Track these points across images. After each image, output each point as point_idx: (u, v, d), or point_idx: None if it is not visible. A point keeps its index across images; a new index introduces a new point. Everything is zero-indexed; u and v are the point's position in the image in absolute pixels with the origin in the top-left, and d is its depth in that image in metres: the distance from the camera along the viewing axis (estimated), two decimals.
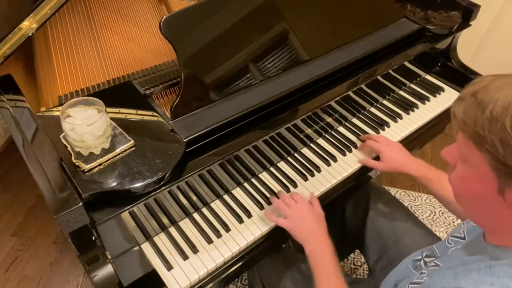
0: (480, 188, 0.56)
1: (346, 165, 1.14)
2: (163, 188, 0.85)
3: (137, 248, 0.92)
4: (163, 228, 0.96)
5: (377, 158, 1.13)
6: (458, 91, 1.42)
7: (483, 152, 0.53)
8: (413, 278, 0.73)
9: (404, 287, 0.72)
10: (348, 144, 1.19)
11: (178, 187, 0.91)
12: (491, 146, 0.51)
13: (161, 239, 0.95)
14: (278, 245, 1.06)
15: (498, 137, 0.50)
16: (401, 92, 1.39)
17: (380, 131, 1.25)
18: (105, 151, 0.83)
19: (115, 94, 1.01)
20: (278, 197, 1.02)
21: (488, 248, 0.61)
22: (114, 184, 0.79)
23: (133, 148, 0.86)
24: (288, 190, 1.06)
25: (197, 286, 0.91)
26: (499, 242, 0.59)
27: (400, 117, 1.30)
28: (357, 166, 1.14)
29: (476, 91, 0.54)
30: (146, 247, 0.93)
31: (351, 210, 1.21)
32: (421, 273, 0.73)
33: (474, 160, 0.55)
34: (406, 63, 1.32)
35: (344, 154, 1.17)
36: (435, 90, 1.40)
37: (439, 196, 1.01)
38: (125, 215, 0.84)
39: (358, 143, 1.20)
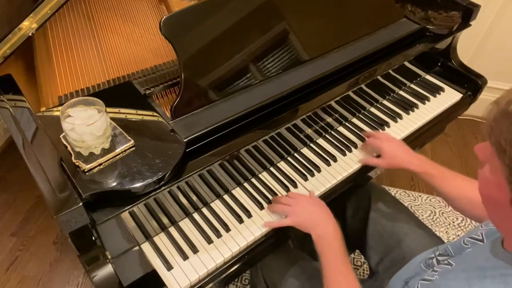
0: (497, 195, 0.55)
1: (346, 165, 1.14)
2: (163, 188, 0.85)
3: (137, 248, 0.93)
4: (163, 228, 0.96)
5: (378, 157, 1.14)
6: (458, 91, 1.42)
7: (502, 163, 0.52)
8: (424, 275, 0.73)
9: (414, 284, 0.72)
10: (348, 144, 1.19)
11: (178, 187, 0.91)
12: (509, 159, 0.50)
13: (161, 239, 0.95)
14: (278, 245, 1.06)
15: None
16: (401, 92, 1.39)
17: (380, 131, 1.25)
18: (105, 151, 0.83)
19: (115, 94, 1.01)
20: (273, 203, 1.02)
21: (505, 256, 0.60)
22: (114, 184, 0.79)
23: (133, 148, 0.86)
24: (288, 190, 1.06)
25: (197, 286, 0.91)
26: None
27: (400, 117, 1.30)
28: (357, 166, 1.14)
29: (511, 100, 0.52)
30: (146, 247, 0.93)
31: (351, 210, 1.21)
32: (432, 271, 0.72)
33: (495, 167, 0.54)
34: (406, 63, 1.32)
35: (344, 154, 1.17)
36: (435, 90, 1.40)
37: (442, 192, 1.00)
38: (125, 215, 0.84)
39: (358, 143, 1.20)
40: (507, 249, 0.61)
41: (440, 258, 0.76)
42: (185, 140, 0.89)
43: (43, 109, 0.99)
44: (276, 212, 1.00)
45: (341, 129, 1.24)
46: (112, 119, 0.90)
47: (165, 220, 0.95)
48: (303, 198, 0.97)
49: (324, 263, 0.86)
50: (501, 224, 0.60)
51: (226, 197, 1.05)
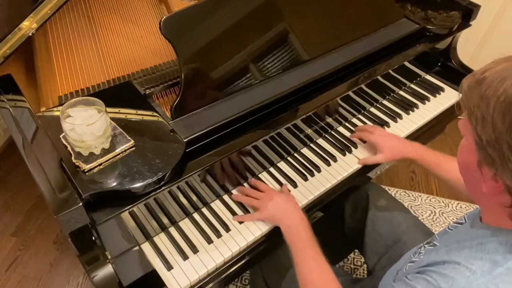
0: (468, 159, 0.61)
1: (346, 165, 1.14)
2: (163, 188, 0.85)
3: (137, 248, 0.92)
4: (163, 228, 0.96)
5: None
6: (458, 91, 1.42)
7: (471, 126, 0.57)
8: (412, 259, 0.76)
9: (403, 270, 0.76)
10: (348, 144, 1.19)
11: (178, 187, 0.91)
12: (475, 120, 0.56)
13: (161, 239, 0.95)
14: (278, 245, 1.06)
15: (481, 114, 0.55)
16: (401, 92, 1.39)
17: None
18: (105, 151, 0.83)
19: (115, 94, 1.01)
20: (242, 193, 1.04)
21: (482, 228, 0.65)
22: (114, 184, 0.79)
23: (133, 148, 0.86)
24: (288, 190, 1.06)
25: (197, 286, 0.91)
26: (491, 222, 0.63)
27: (400, 117, 1.30)
28: (357, 166, 1.14)
29: (486, 69, 0.58)
30: (146, 247, 0.93)
31: (350, 210, 1.21)
32: (418, 254, 0.77)
33: (467, 132, 0.60)
34: (406, 63, 1.32)
35: (344, 154, 1.17)
36: (435, 90, 1.40)
37: (438, 176, 1.04)
38: (125, 215, 0.84)
39: (358, 143, 1.20)
40: (484, 221, 0.65)
41: (427, 245, 0.79)
42: (185, 140, 0.89)
43: (43, 109, 0.99)
44: (245, 203, 1.01)
45: (341, 129, 1.24)
46: (112, 119, 0.90)
47: (165, 220, 0.95)
48: (272, 192, 1.00)
49: (294, 251, 0.88)
50: (471, 190, 0.65)
51: (226, 197, 1.05)
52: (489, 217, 0.64)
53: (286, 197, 0.99)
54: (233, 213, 1.01)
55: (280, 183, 1.08)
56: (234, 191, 1.06)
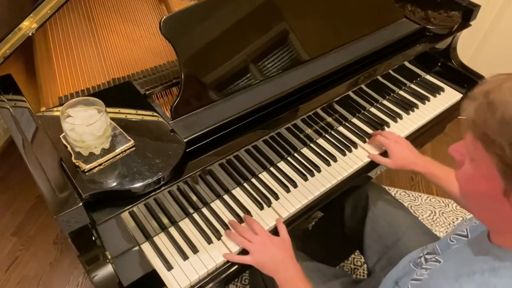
0: (486, 188, 0.55)
1: (346, 165, 1.14)
2: (163, 188, 0.85)
3: (137, 248, 0.93)
4: (163, 228, 0.96)
5: (384, 154, 1.15)
6: (458, 91, 1.42)
7: (490, 154, 0.52)
8: (414, 275, 0.73)
9: (405, 284, 0.72)
10: (348, 144, 1.19)
11: (178, 187, 0.91)
12: (500, 148, 0.50)
13: (161, 239, 0.95)
14: None
15: (508, 141, 0.50)
16: (401, 92, 1.39)
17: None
18: (105, 151, 0.83)
19: (115, 94, 1.01)
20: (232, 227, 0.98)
21: (492, 249, 0.60)
22: (114, 184, 0.79)
23: (133, 148, 0.86)
24: (288, 190, 1.06)
25: (197, 286, 0.91)
26: (503, 243, 0.59)
27: (400, 117, 1.30)
28: (357, 166, 1.14)
29: (488, 91, 0.53)
30: (146, 247, 0.93)
31: (350, 210, 1.21)
32: (421, 268, 0.73)
33: (481, 161, 0.54)
34: (406, 63, 1.32)
35: (344, 154, 1.17)
36: (435, 90, 1.40)
37: (448, 192, 1.02)
38: (125, 215, 0.84)
39: (359, 143, 1.20)
40: (494, 242, 0.60)
41: (428, 256, 0.77)
42: (185, 140, 0.89)
43: (43, 109, 0.99)
44: (237, 243, 0.94)
45: (341, 129, 1.24)
46: (112, 119, 0.90)
47: (165, 220, 0.95)
48: (266, 237, 0.93)
49: None
50: (490, 217, 0.60)
51: (226, 197, 1.05)
52: (504, 239, 0.59)
53: (283, 244, 0.93)
54: (233, 213, 1.01)
55: (281, 183, 1.08)
56: (235, 192, 1.05)
